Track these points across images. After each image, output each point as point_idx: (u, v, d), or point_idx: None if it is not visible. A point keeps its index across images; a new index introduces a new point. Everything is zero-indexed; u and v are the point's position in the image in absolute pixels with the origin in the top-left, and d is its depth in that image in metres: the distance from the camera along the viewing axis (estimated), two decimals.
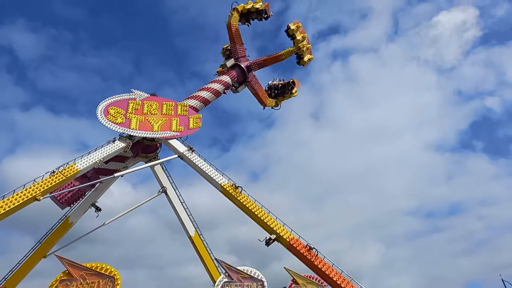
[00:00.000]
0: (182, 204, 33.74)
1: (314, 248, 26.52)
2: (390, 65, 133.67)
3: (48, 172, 24.56)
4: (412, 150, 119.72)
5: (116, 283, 21.37)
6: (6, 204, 21.97)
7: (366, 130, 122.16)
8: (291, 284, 28.27)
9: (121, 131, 29.02)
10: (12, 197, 22.53)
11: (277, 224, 27.32)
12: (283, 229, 27.11)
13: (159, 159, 31.97)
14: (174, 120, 30.99)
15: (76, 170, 25.59)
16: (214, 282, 25.12)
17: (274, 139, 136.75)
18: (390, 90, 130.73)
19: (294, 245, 26.36)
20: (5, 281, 26.78)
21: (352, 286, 25.22)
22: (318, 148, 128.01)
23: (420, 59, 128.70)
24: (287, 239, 26.51)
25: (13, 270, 27.31)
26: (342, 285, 25.07)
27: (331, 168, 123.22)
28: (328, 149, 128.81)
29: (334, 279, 25.31)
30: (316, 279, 28.75)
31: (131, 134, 29.17)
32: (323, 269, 25.57)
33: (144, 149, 31.55)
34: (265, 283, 24.12)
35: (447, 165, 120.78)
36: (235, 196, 28.09)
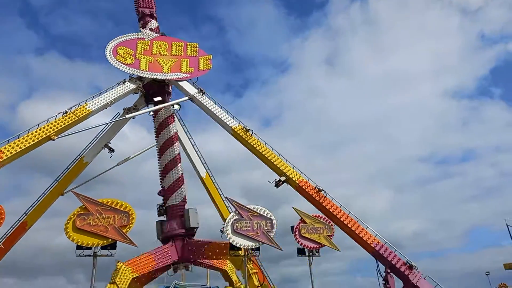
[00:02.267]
0: (193, 147, 34.21)
1: (323, 190, 26.94)
2: (412, 7, 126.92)
3: (61, 112, 24.85)
4: (429, 97, 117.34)
5: (131, 217, 22.26)
6: (21, 143, 22.44)
7: (383, 78, 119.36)
8: (299, 223, 29.22)
9: (131, 72, 28.77)
10: (27, 136, 22.96)
11: (286, 166, 27.61)
12: (293, 171, 27.44)
13: (169, 102, 31.84)
14: (184, 61, 30.42)
15: (88, 111, 25.75)
16: (225, 221, 25.92)
17: (287, 85, 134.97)
18: (410, 35, 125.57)
19: (303, 187, 26.80)
20: (26, 216, 28.19)
21: (358, 226, 25.89)
22: (332, 95, 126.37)
23: (444, 0, 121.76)
24: (297, 181, 26.92)
25: (33, 206, 28.65)
26: (349, 225, 25.75)
27: (345, 116, 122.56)
28: (342, 97, 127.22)
29: (342, 219, 25.98)
30: (323, 218, 29.56)
31: (141, 75, 28.90)
32: (331, 210, 26.18)
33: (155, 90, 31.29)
34: (274, 221, 24.83)
35: (463, 112, 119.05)
36: (246, 139, 28.18)
